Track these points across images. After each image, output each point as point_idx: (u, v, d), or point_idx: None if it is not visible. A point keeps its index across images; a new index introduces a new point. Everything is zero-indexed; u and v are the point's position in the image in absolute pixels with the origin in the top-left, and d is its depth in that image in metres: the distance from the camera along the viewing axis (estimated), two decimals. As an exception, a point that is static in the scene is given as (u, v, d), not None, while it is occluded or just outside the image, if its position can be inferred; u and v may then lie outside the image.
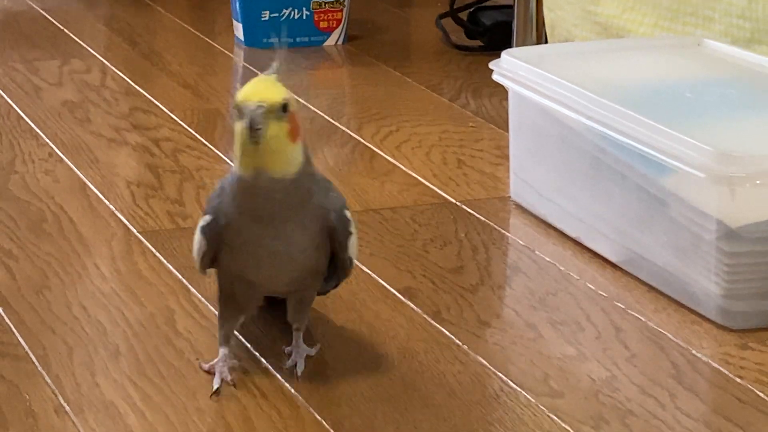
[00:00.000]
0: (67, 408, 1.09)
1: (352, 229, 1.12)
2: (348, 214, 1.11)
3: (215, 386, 1.10)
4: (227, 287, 1.12)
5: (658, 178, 1.27)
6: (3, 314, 1.24)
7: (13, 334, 1.20)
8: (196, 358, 1.15)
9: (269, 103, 1.01)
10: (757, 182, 1.19)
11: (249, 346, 1.18)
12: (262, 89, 1.03)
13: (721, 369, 1.15)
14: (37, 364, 1.15)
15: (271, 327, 1.21)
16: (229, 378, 1.11)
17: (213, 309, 1.25)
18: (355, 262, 1.14)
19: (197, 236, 1.11)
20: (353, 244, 1.12)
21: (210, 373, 1.12)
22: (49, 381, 1.13)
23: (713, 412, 1.09)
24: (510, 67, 1.46)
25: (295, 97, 1.04)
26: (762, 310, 1.22)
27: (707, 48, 1.50)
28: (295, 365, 1.13)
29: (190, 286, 1.29)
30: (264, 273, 1.09)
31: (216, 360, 1.12)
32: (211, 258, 1.11)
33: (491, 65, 1.48)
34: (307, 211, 1.08)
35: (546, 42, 1.87)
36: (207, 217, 1.09)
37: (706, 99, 1.37)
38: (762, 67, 1.43)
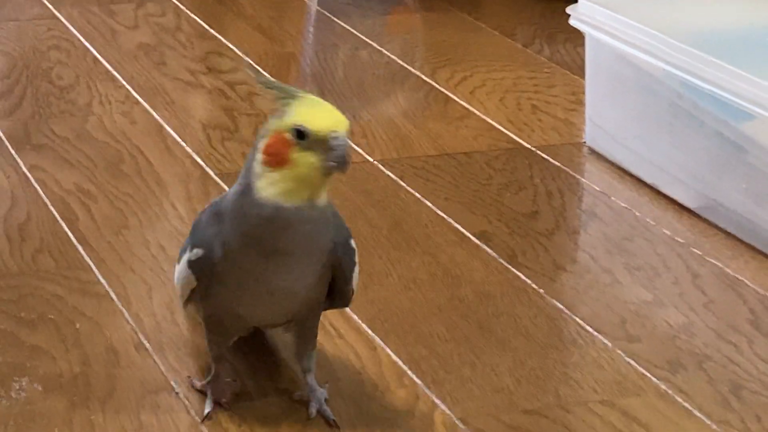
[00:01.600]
0: (147, 345, 1.10)
1: (356, 258, 1.01)
2: (353, 243, 1.00)
3: (206, 410, 1.01)
4: (214, 316, 1.01)
5: (737, 123, 1.26)
6: (83, 253, 1.25)
7: (94, 272, 1.22)
8: (188, 375, 1.05)
9: (348, 132, 0.92)
10: (839, 129, 1.19)
11: (326, 287, 1.19)
12: (338, 116, 0.93)
13: (799, 316, 1.15)
14: (117, 302, 1.17)
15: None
16: (223, 400, 1.01)
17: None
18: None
19: (183, 270, 1.00)
20: (356, 274, 1.01)
21: (202, 392, 1.03)
22: (129, 319, 1.14)
23: (791, 358, 1.09)
24: (588, 12, 1.45)
25: None
26: (841, 257, 1.21)
27: (788, -6, 1.49)
28: (325, 413, 1.01)
29: (267, 228, 1.30)
30: (259, 309, 0.99)
31: (208, 378, 1.03)
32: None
33: (568, 10, 1.47)
34: (321, 243, 0.97)
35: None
36: (197, 251, 0.98)
37: (787, 45, 1.36)
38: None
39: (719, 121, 1.28)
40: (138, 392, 1.04)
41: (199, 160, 1.46)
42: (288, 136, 0.92)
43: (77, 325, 1.13)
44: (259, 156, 0.93)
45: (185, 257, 0.99)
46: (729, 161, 1.28)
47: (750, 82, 1.22)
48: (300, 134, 0.91)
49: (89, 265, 1.23)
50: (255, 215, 0.94)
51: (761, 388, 1.05)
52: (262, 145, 0.93)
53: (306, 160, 0.92)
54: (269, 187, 0.93)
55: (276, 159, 0.92)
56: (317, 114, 0.92)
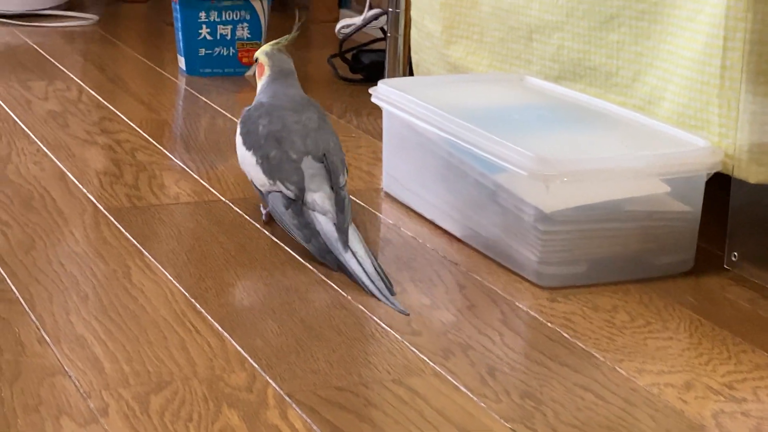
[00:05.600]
0: (48, 339, 1.04)
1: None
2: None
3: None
4: None
5: (492, 175, 1.25)
6: (0, 269, 1.18)
7: (7, 283, 1.15)
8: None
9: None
10: (564, 179, 1.17)
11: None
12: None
13: (536, 316, 1.13)
14: (25, 306, 1.10)
15: (204, 281, 1.16)
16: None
17: (161, 267, 1.20)
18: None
19: None
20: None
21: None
22: (34, 319, 1.07)
23: (531, 347, 1.07)
24: (384, 92, 1.43)
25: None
26: (566, 273, 1.20)
27: (529, 82, 1.48)
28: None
29: (143, 250, 1.25)
30: None
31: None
32: None
33: (371, 91, 1.45)
34: None
35: (410, 77, 1.84)
36: None
37: (528, 118, 1.35)
38: (569, 96, 1.42)
39: (479, 173, 1.27)
40: (39, 375, 0.98)
41: (92, 198, 1.40)
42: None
43: (-7, 324, 1.06)
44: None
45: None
46: (486, 202, 1.26)
47: (502, 144, 1.21)
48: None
49: (4, 278, 1.16)
50: None
51: (510, 370, 1.02)
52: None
53: None
54: None
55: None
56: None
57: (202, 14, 2.00)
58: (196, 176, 1.49)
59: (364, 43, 2.09)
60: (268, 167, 1.24)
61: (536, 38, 1.50)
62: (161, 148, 1.60)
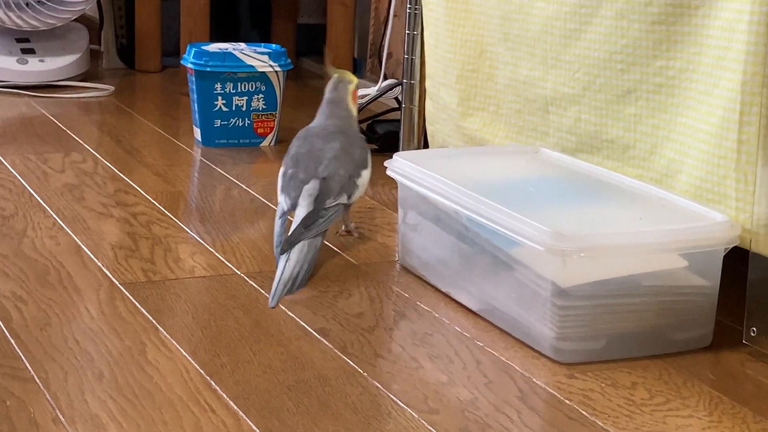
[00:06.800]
0: (62, 419, 1.03)
1: None
2: None
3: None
4: None
5: (508, 249, 1.24)
6: (15, 345, 1.18)
7: (22, 360, 1.14)
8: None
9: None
10: (582, 254, 1.17)
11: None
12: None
13: (555, 393, 1.12)
14: (39, 384, 1.09)
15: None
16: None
17: (176, 344, 1.20)
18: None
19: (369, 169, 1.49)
20: None
21: None
22: (48, 398, 1.07)
23: (549, 425, 1.06)
24: (399, 165, 1.43)
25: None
26: (584, 349, 1.19)
27: (543, 155, 1.48)
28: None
29: (158, 326, 1.24)
30: None
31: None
32: None
33: (385, 164, 1.45)
34: None
35: (425, 147, 1.84)
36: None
37: (544, 192, 1.35)
38: (584, 169, 1.41)
39: (495, 247, 1.26)
40: (53, 457, 0.97)
41: (107, 272, 1.40)
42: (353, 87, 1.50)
43: (7, 403, 1.05)
44: (352, 101, 1.50)
45: (369, 157, 1.50)
46: (502, 277, 1.26)
47: (517, 219, 1.21)
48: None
49: (19, 355, 1.16)
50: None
51: (528, 449, 1.01)
52: (350, 97, 1.50)
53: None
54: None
55: (355, 99, 1.50)
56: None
57: (218, 85, 2.01)
58: (211, 249, 1.49)
59: (378, 113, 2.10)
60: (283, 181, 1.43)
61: (553, 111, 1.51)
62: (176, 220, 1.61)
